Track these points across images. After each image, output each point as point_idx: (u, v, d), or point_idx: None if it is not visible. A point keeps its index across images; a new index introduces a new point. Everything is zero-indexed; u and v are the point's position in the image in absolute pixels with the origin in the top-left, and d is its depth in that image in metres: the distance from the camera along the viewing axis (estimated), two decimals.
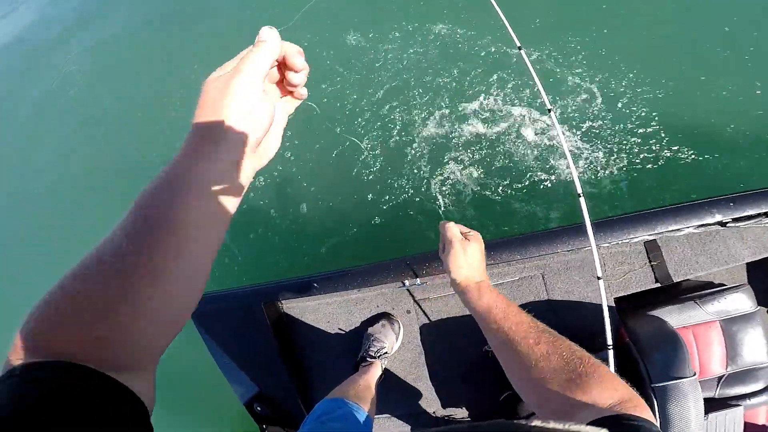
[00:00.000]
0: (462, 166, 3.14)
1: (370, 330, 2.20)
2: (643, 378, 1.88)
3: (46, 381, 0.42)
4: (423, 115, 3.38)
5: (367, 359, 2.12)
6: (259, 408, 2.34)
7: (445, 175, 3.15)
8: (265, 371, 2.31)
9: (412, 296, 2.20)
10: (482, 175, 3.10)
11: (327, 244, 3.14)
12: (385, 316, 2.26)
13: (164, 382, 2.88)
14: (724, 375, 2.18)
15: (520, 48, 1.78)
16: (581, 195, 1.60)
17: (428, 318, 2.21)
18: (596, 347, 1.97)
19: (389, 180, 3.26)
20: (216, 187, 0.56)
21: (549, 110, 1.73)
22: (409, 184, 3.20)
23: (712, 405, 2.17)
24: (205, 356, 2.39)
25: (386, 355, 2.17)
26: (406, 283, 2.08)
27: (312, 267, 2.34)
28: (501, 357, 1.05)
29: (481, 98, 3.33)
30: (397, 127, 3.41)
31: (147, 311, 0.49)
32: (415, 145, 3.32)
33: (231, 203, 0.59)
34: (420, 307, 2.21)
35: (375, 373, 2.08)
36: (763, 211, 1.92)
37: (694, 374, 1.85)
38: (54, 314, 0.46)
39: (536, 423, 0.39)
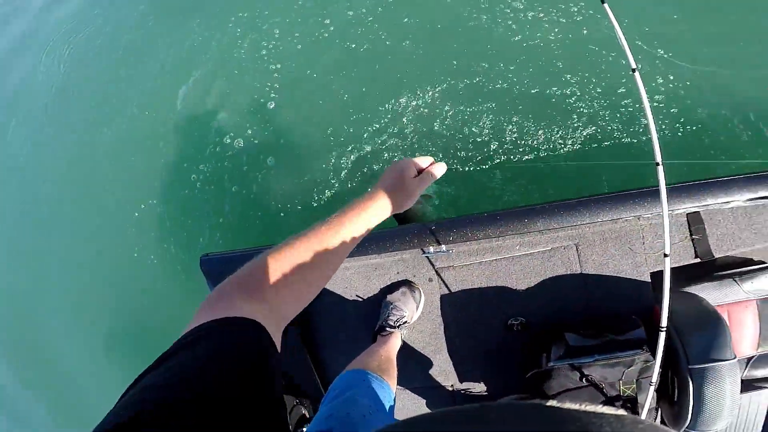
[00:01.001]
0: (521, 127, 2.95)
1: (389, 298, 2.05)
2: (680, 358, 1.74)
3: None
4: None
5: (386, 329, 1.96)
6: None
7: (505, 138, 2.94)
8: (282, 342, 2.16)
9: (434, 264, 2.04)
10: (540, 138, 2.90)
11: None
12: (405, 283, 2.10)
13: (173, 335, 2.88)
14: (754, 356, 2.06)
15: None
16: (659, 163, 1.43)
17: (450, 288, 2.05)
18: (631, 325, 1.84)
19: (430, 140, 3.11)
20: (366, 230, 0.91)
21: (634, 70, 1.52)
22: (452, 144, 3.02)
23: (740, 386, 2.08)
24: None
25: (406, 324, 2.02)
26: (430, 249, 1.92)
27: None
28: None
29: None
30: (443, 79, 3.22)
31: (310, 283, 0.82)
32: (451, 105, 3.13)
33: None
34: (442, 276, 2.05)
35: (395, 343, 1.95)
36: None
37: (735, 357, 1.71)
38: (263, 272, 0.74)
39: (551, 403, 0.38)
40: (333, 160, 3.18)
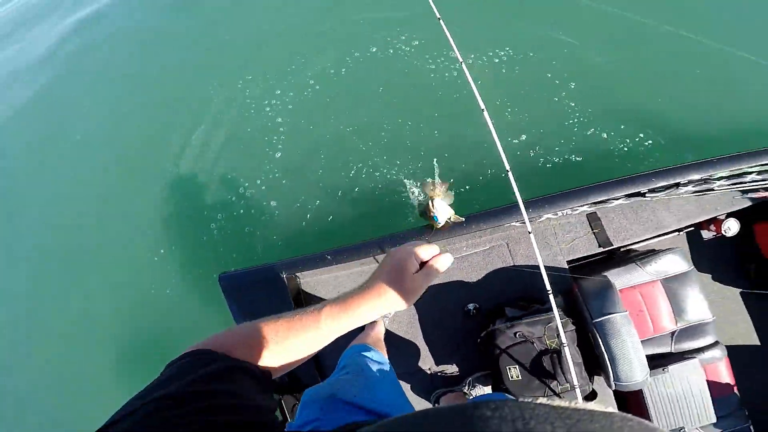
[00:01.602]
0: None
1: None
2: (586, 318, 2.31)
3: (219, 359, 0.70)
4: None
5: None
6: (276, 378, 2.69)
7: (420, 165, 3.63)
8: None
9: None
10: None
11: (338, 227, 3.53)
12: None
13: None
14: (675, 330, 2.56)
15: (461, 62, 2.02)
16: (509, 171, 1.95)
17: None
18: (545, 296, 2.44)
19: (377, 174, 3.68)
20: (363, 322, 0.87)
21: (483, 110, 1.95)
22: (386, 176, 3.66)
23: (670, 359, 2.54)
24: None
25: (387, 313, 2.55)
26: None
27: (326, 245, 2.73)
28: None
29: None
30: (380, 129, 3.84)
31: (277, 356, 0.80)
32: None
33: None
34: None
35: (380, 328, 2.46)
36: (675, 182, 2.28)
37: (625, 311, 2.27)
38: (238, 340, 0.78)
39: (541, 400, 0.40)
40: (333, 194, 3.69)
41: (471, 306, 2.59)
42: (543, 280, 2.18)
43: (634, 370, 2.23)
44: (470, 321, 2.59)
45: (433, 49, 4.07)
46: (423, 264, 0.91)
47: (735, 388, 2.63)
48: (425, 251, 0.91)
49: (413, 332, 2.65)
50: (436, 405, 2.61)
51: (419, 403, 2.69)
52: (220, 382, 0.64)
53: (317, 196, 3.69)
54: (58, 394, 3.95)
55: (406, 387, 2.66)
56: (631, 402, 2.66)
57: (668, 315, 2.54)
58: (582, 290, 2.39)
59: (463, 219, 2.25)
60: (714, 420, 2.45)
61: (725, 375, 2.64)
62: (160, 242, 3.95)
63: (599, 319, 2.27)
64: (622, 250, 2.72)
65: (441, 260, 0.92)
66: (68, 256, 4.30)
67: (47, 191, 4.70)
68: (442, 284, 2.63)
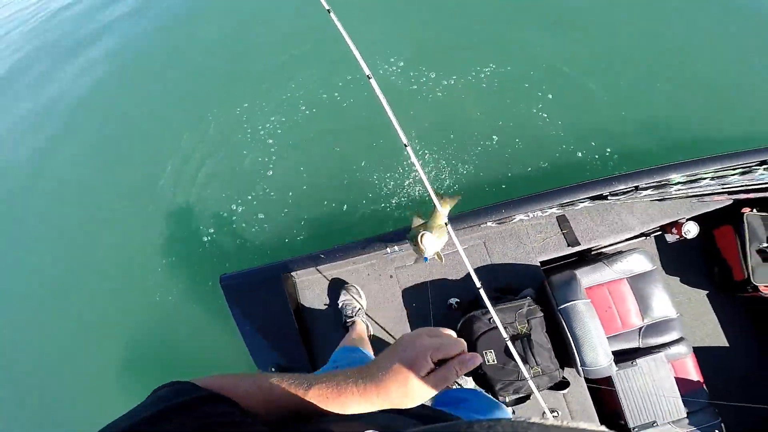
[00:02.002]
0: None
1: (338, 302, 2.70)
2: (552, 306, 2.50)
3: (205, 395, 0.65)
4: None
5: (348, 321, 2.59)
6: (273, 370, 2.58)
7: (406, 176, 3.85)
8: (281, 339, 2.59)
9: (394, 264, 2.79)
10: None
11: (327, 234, 3.75)
12: (342, 287, 2.74)
13: (190, 352, 3.81)
14: (642, 326, 2.71)
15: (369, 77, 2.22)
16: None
17: (407, 282, 2.80)
18: (522, 289, 2.65)
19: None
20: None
21: (405, 145, 1.84)
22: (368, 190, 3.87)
23: (638, 353, 2.69)
24: (228, 332, 2.88)
25: (361, 311, 2.64)
26: (389, 250, 2.59)
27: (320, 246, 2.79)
28: None
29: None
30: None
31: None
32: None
33: None
34: (399, 273, 2.79)
35: (361, 327, 2.58)
36: (634, 185, 2.44)
37: (587, 300, 2.46)
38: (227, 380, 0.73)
39: (534, 419, 0.39)
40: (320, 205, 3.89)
41: (453, 300, 2.77)
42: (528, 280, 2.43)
43: (598, 354, 2.39)
44: (453, 314, 2.75)
45: (417, 69, 4.33)
46: (441, 361, 0.77)
47: (703, 385, 2.73)
48: (445, 348, 0.76)
49: (402, 327, 2.80)
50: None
51: None
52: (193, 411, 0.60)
53: (306, 208, 3.88)
54: (61, 400, 4.05)
55: None
56: (606, 398, 2.77)
57: (635, 311, 2.69)
58: (550, 283, 2.59)
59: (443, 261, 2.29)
60: (684, 415, 2.54)
61: (693, 371, 2.75)
62: (160, 257, 4.09)
63: (563, 306, 2.46)
64: (593, 252, 2.90)
65: (465, 361, 0.76)
66: (67, 275, 4.44)
67: (48, 208, 4.91)
68: (426, 282, 2.80)
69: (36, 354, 4.22)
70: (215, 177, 4.28)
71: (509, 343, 2.27)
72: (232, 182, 4.20)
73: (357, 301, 2.70)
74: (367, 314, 2.78)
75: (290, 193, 3.99)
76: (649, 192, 2.54)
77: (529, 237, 2.77)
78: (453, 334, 0.82)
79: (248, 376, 0.76)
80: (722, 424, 2.62)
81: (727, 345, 2.99)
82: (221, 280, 2.58)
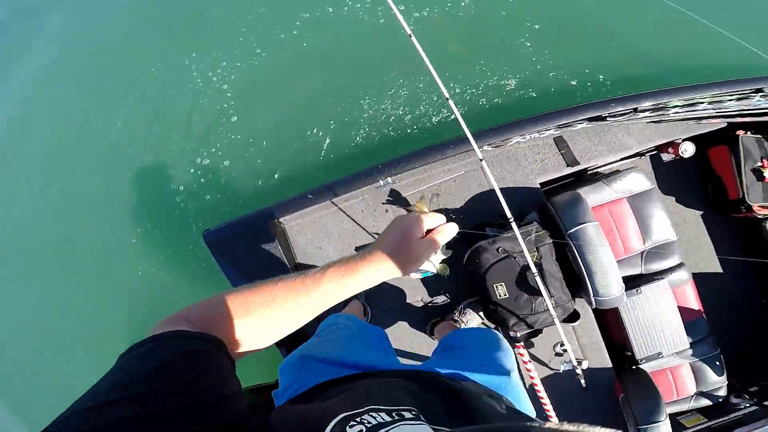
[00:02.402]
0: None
1: None
2: (561, 230, 2.28)
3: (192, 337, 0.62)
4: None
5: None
6: None
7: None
8: None
9: (388, 198, 2.56)
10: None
11: (307, 176, 3.45)
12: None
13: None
14: (644, 251, 2.57)
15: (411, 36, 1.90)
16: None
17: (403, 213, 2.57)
18: (526, 213, 2.39)
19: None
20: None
21: (447, 99, 1.93)
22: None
23: (641, 280, 2.56)
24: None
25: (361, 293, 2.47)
26: (381, 182, 2.38)
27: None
28: None
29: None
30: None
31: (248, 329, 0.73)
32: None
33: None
34: (394, 207, 2.57)
35: (358, 306, 2.48)
36: (633, 107, 2.36)
37: (596, 222, 2.25)
38: (207, 313, 0.71)
39: (537, 424, 0.39)
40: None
41: None
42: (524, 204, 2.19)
43: (610, 282, 2.21)
44: (455, 246, 2.52)
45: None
46: (429, 232, 0.89)
47: (703, 314, 2.66)
48: (431, 219, 0.89)
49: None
50: (433, 336, 2.58)
51: (415, 335, 2.66)
52: (172, 379, 0.53)
53: (282, 151, 3.58)
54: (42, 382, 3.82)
55: (401, 324, 2.64)
56: (612, 329, 2.67)
57: (636, 234, 2.56)
58: (555, 205, 2.36)
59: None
60: (687, 345, 2.48)
61: (692, 299, 2.67)
62: (131, 227, 3.74)
63: (573, 230, 2.25)
64: (589, 172, 2.75)
65: (446, 229, 0.91)
66: (36, 254, 4.00)
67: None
68: None
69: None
70: (173, 132, 3.86)
71: (535, 275, 2.02)
72: (192, 135, 3.79)
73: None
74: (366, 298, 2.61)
75: (261, 137, 3.65)
76: (647, 114, 2.46)
77: (527, 159, 2.57)
78: (441, 216, 0.92)
79: (248, 297, 0.74)
80: (721, 356, 2.61)
81: (720, 270, 2.93)
82: (205, 237, 2.37)
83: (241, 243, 2.37)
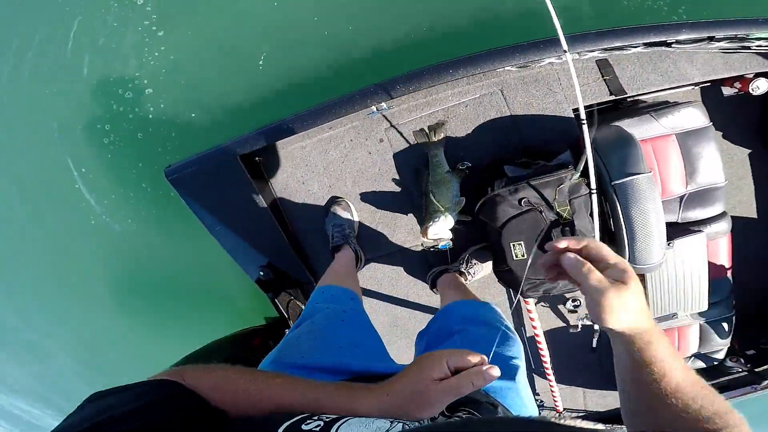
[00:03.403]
0: None
1: (326, 220, 2.09)
2: (604, 178, 1.71)
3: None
4: None
5: (338, 246, 2.00)
6: (261, 273, 2.16)
7: None
8: (260, 234, 2.10)
9: (383, 124, 2.00)
10: None
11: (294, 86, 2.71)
12: (331, 202, 2.10)
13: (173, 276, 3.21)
14: (685, 194, 2.04)
15: None
16: None
17: (400, 145, 2.02)
18: (558, 151, 1.80)
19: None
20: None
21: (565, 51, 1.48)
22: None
23: (676, 230, 2.05)
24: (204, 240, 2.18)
25: (351, 235, 2.04)
26: (374, 108, 1.84)
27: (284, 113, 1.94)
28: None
29: None
30: None
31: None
32: None
33: None
34: (390, 135, 2.01)
35: (348, 259, 1.97)
36: (708, 35, 1.75)
37: (650, 171, 1.68)
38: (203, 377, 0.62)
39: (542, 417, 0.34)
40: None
41: (463, 165, 1.96)
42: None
43: (652, 249, 1.70)
44: (463, 183, 1.98)
45: None
46: (456, 372, 0.66)
47: (730, 272, 2.22)
48: (462, 355, 0.66)
49: (399, 203, 2.11)
50: (434, 290, 2.19)
51: (415, 284, 2.28)
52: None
53: (242, 70, 2.82)
54: None
55: (398, 270, 2.25)
56: None
57: (680, 175, 2.00)
58: (596, 144, 1.76)
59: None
60: (706, 307, 2.08)
61: (725, 254, 2.20)
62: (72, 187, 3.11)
63: (620, 181, 1.66)
64: (628, 100, 2.15)
65: (478, 376, 0.63)
66: None
67: None
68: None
69: None
70: (96, 67, 2.98)
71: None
72: (115, 63, 2.94)
73: (347, 221, 2.08)
74: (358, 230, 2.16)
75: (216, 55, 2.87)
76: (722, 44, 1.89)
77: (560, 83, 1.93)
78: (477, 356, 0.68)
79: (249, 375, 0.67)
80: (734, 318, 2.23)
81: (755, 216, 2.42)
82: (167, 174, 1.97)
83: (210, 181, 1.97)
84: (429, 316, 2.29)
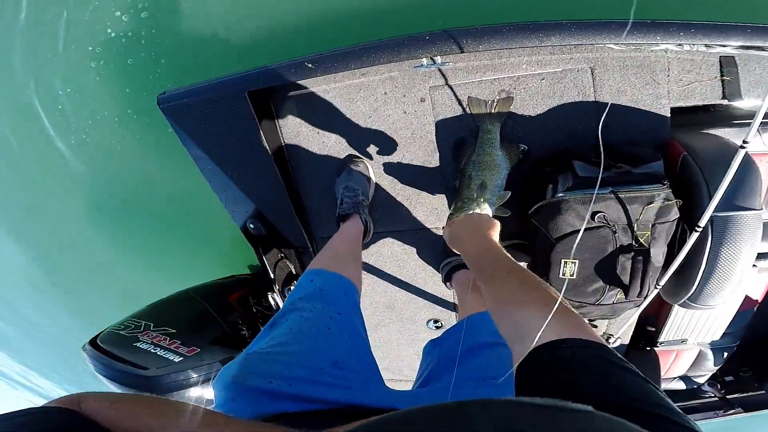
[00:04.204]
0: None
1: (336, 181, 1.66)
2: (702, 202, 1.29)
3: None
4: None
5: (345, 215, 1.57)
6: (252, 226, 1.82)
7: None
8: (257, 182, 1.72)
9: (429, 81, 1.51)
10: None
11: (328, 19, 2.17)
12: (347, 161, 1.65)
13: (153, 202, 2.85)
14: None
15: None
16: None
17: (445, 110, 1.54)
18: (649, 157, 1.38)
19: None
20: None
21: None
22: None
23: None
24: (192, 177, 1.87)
25: (363, 204, 1.61)
26: (423, 62, 1.38)
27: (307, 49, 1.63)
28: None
29: None
30: None
31: None
32: None
33: None
34: (435, 96, 1.52)
35: (356, 230, 1.56)
36: None
37: (762, 209, 1.29)
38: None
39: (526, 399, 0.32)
40: None
41: (522, 147, 1.51)
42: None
43: (722, 294, 1.35)
44: (519, 166, 1.52)
45: None
46: None
47: (757, 306, 1.90)
48: None
49: (430, 177, 1.66)
50: (448, 284, 1.81)
51: (424, 270, 1.88)
52: None
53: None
54: None
55: (411, 250, 1.84)
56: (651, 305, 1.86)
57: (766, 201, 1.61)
58: (697, 156, 1.35)
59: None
60: (717, 338, 1.90)
61: (760, 289, 1.87)
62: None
63: (723, 214, 1.26)
64: (727, 104, 1.69)
65: None
66: None
67: None
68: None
69: None
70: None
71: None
72: None
73: (362, 186, 1.62)
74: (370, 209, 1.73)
75: None
76: None
77: (668, 74, 1.43)
78: None
79: (158, 407, 0.56)
80: (735, 348, 2.01)
81: None
82: (159, 102, 1.60)
83: (209, 113, 1.57)
84: (430, 306, 1.97)
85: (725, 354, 2.00)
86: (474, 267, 0.96)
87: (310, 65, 1.41)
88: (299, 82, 1.52)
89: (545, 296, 0.68)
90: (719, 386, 2.17)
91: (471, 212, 1.25)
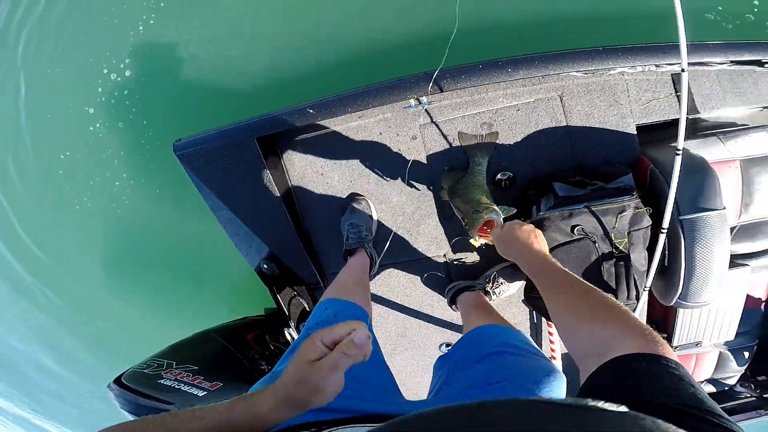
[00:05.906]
0: None
1: (342, 219, 1.85)
2: (665, 207, 1.48)
3: None
4: None
5: (349, 249, 1.78)
6: (265, 266, 1.97)
7: None
8: (269, 225, 1.89)
9: (419, 120, 1.74)
10: None
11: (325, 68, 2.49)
12: (350, 199, 1.86)
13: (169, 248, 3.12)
14: (736, 226, 1.83)
15: None
16: None
17: (435, 145, 1.76)
18: (619, 172, 1.57)
19: None
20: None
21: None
22: None
23: None
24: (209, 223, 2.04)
25: (368, 239, 1.80)
26: (412, 102, 1.60)
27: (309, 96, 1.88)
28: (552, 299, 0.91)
29: None
30: None
31: None
32: None
33: None
34: (425, 133, 1.75)
35: (363, 264, 1.73)
36: None
37: (724, 208, 1.47)
38: None
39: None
40: None
41: (504, 175, 1.74)
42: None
43: (707, 289, 1.53)
44: (501, 193, 1.77)
45: None
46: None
47: (764, 304, 2.04)
48: (335, 330, 0.64)
49: (426, 208, 1.87)
50: (453, 306, 1.94)
51: (431, 297, 2.05)
52: None
53: (272, 51, 2.61)
54: None
55: (415, 279, 2.02)
56: (657, 305, 2.05)
57: (734, 205, 1.78)
58: (661, 166, 1.54)
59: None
60: (732, 338, 1.96)
61: (763, 288, 2.01)
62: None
63: (690, 216, 1.45)
64: (690, 118, 1.90)
65: (351, 343, 0.62)
66: None
67: None
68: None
69: None
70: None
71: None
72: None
73: (366, 222, 1.83)
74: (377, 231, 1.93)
75: (244, 28, 2.67)
76: None
77: (628, 95, 1.66)
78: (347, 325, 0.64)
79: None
80: (755, 347, 2.08)
81: None
82: (176, 149, 1.80)
83: (221, 160, 1.78)
84: (440, 330, 2.10)
85: (746, 353, 2.09)
86: (533, 274, 0.99)
87: (311, 110, 1.63)
88: (302, 126, 1.73)
89: (626, 316, 0.70)
90: (753, 386, 2.23)
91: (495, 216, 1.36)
